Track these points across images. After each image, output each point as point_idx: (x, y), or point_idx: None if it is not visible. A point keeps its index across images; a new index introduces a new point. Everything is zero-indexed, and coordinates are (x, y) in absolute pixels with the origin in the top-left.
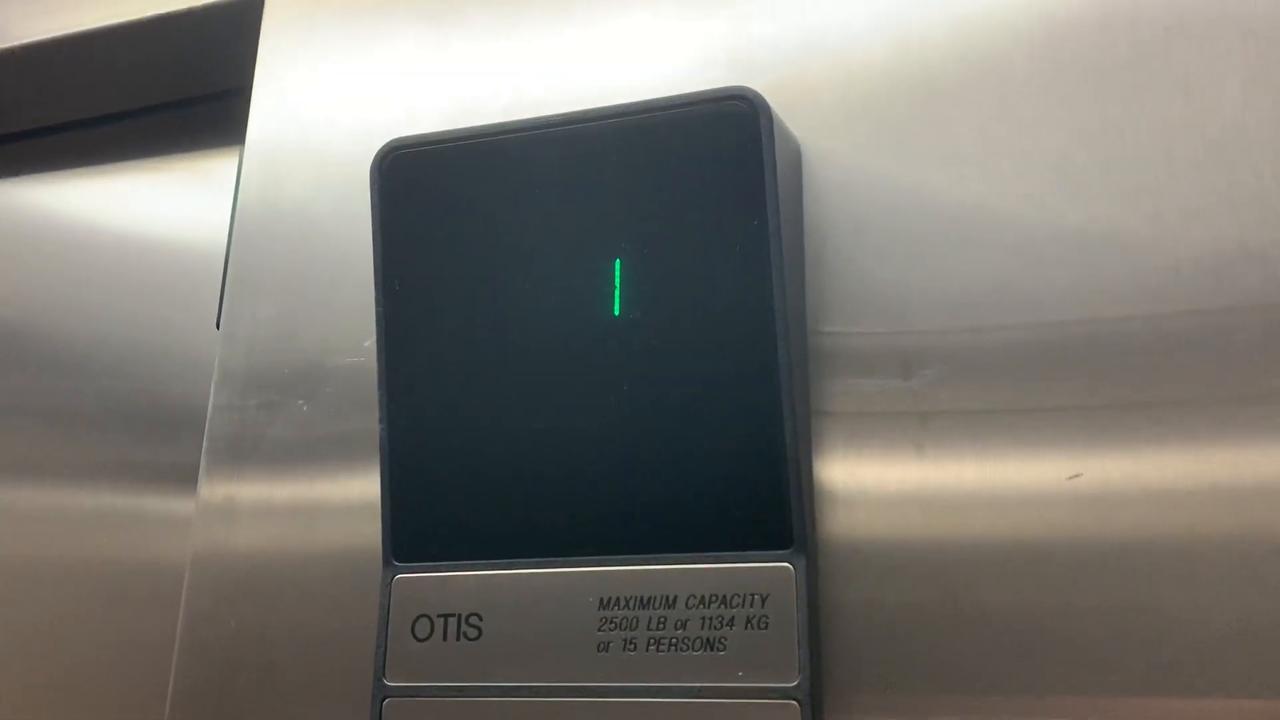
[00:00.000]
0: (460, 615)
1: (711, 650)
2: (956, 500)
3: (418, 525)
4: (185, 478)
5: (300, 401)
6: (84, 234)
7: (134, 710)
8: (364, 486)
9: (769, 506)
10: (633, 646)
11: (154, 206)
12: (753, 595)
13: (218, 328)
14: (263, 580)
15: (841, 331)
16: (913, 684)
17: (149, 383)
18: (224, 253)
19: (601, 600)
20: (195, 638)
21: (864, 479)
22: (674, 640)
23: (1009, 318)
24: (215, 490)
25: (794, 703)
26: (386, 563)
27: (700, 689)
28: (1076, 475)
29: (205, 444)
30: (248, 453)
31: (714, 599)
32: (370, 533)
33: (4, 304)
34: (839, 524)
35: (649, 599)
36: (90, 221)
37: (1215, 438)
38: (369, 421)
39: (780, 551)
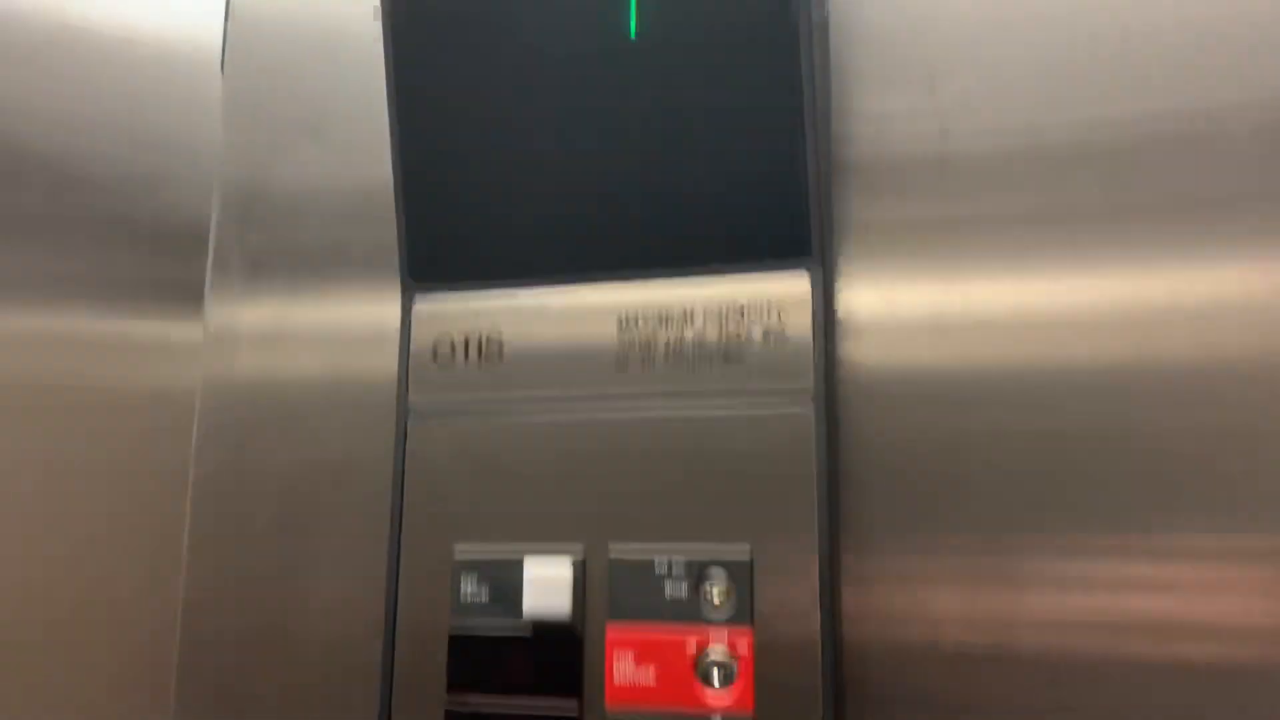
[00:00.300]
0: (482, 335)
1: (728, 363)
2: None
3: (435, 247)
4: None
5: (309, 140)
6: (75, 32)
7: (145, 549)
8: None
9: (788, 214)
10: (652, 361)
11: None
12: (770, 306)
13: (221, 71)
14: (275, 402)
15: (862, 40)
16: (933, 524)
17: (149, 198)
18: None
19: (621, 318)
20: (210, 468)
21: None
22: (692, 355)
23: (1040, 104)
24: (222, 304)
25: (809, 408)
26: (405, 285)
27: (717, 398)
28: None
29: (215, 198)
30: (262, 186)
31: (731, 311)
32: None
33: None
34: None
35: (667, 315)
36: (82, 18)
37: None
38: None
39: (798, 259)
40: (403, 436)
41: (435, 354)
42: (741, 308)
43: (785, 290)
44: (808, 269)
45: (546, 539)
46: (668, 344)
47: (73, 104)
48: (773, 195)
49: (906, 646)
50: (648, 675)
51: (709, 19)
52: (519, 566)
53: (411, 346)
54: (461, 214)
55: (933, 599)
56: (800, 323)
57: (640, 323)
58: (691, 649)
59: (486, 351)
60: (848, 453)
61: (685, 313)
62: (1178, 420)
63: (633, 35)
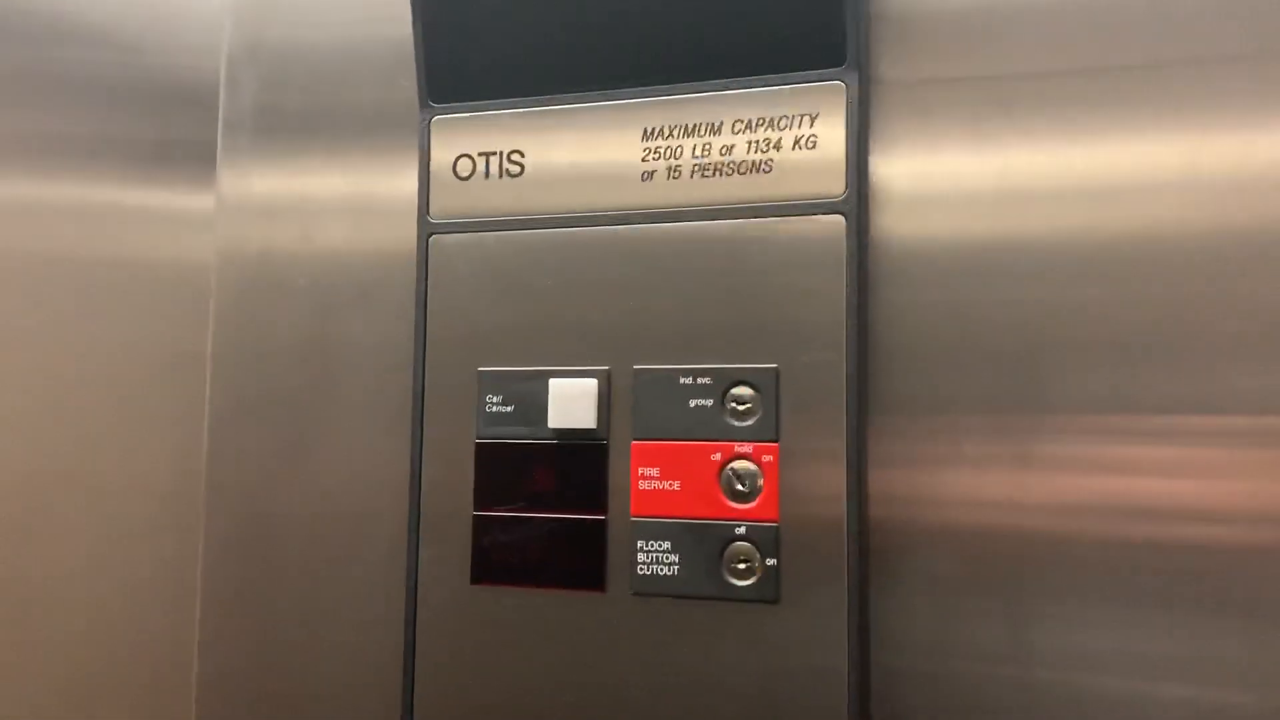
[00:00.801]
0: (502, 153)
1: (758, 173)
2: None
3: (454, 63)
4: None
5: None
6: None
7: (169, 418)
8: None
9: (822, 20)
10: (677, 174)
11: None
12: (802, 116)
13: None
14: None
15: None
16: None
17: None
18: None
19: (645, 131)
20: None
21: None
22: (719, 166)
23: None
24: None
25: (840, 216)
26: (423, 104)
27: (745, 209)
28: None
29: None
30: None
31: (761, 122)
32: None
33: None
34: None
35: (694, 126)
36: None
37: None
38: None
39: (833, 69)
40: (424, 253)
41: (455, 170)
42: (772, 119)
43: (818, 98)
44: (842, 79)
45: (571, 361)
46: (694, 155)
47: None
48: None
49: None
50: (674, 486)
51: None
52: (544, 380)
53: (431, 165)
54: (477, 29)
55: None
56: (834, 134)
57: (666, 134)
58: (717, 459)
59: (507, 167)
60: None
61: (713, 124)
62: (1194, 290)
63: None
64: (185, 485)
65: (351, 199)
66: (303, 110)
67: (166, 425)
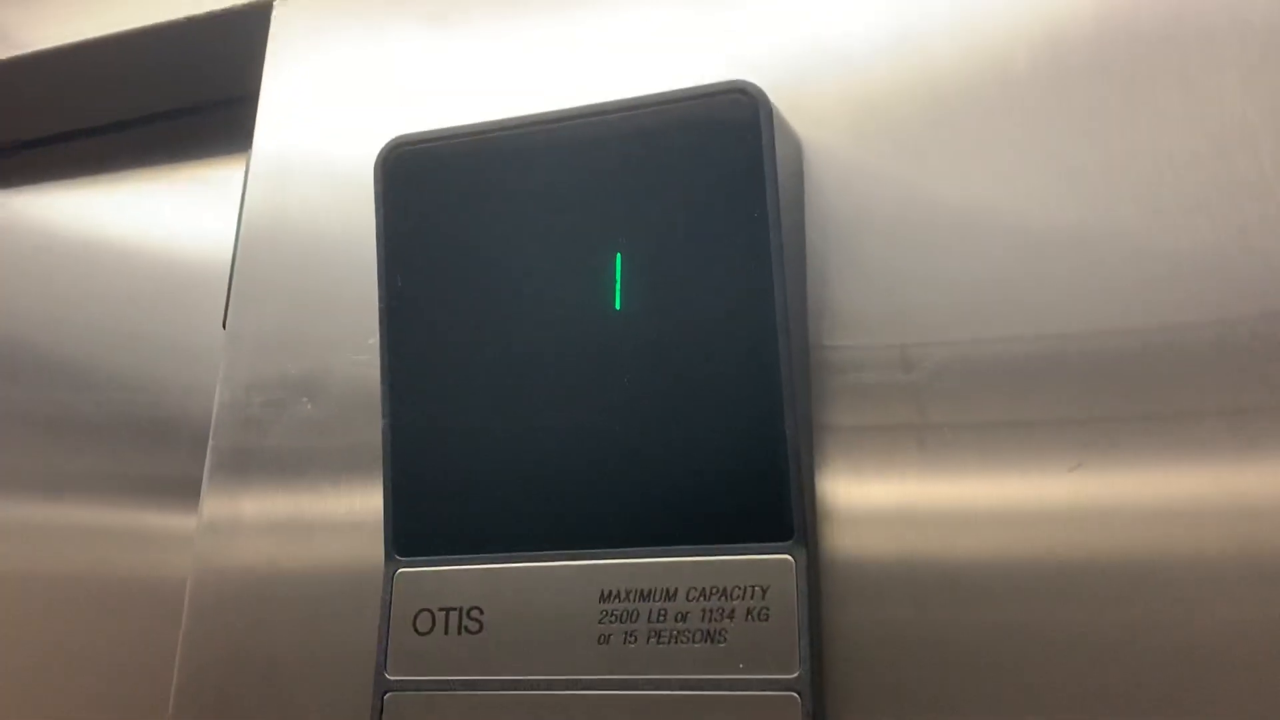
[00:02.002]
0: (462, 609)
1: (712, 642)
2: (956, 515)
3: (420, 519)
4: (186, 492)
5: (305, 399)
6: (87, 244)
7: None
8: (366, 497)
9: (769, 498)
10: (633, 639)
11: (159, 216)
12: (753, 587)
13: (224, 328)
14: (265, 594)
15: (841, 324)
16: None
17: (151, 395)
18: (230, 259)
19: (602, 593)
20: (196, 652)
21: (863, 492)
22: (675, 633)
23: (1010, 316)
24: (219, 499)
25: (795, 695)
26: (389, 557)
27: (701, 681)
28: (1077, 465)
29: (210, 440)
30: (253, 451)
31: (714, 591)
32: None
33: (6, 315)
34: (840, 540)
35: (649, 591)
36: (94, 231)
37: (1220, 451)
38: (372, 424)
39: (781, 543)
40: (379, 708)
41: (415, 626)
42: (726, 588)
43: (769, 571)
44: (790, 553)
45: None
46: (650, 620)
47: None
48: (754, 479)
49: None
50: None
51: (694, 299)
52: None
53: (392, 618)
54: (446, 490)
55: None
56: (785, 606)
57: (622, 596)
58: None
59: (466, 624)
60: None
61: (668, 590)
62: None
63: (618, 306)
64: None
65: (322, 519)
66: (286, 426)
67: None
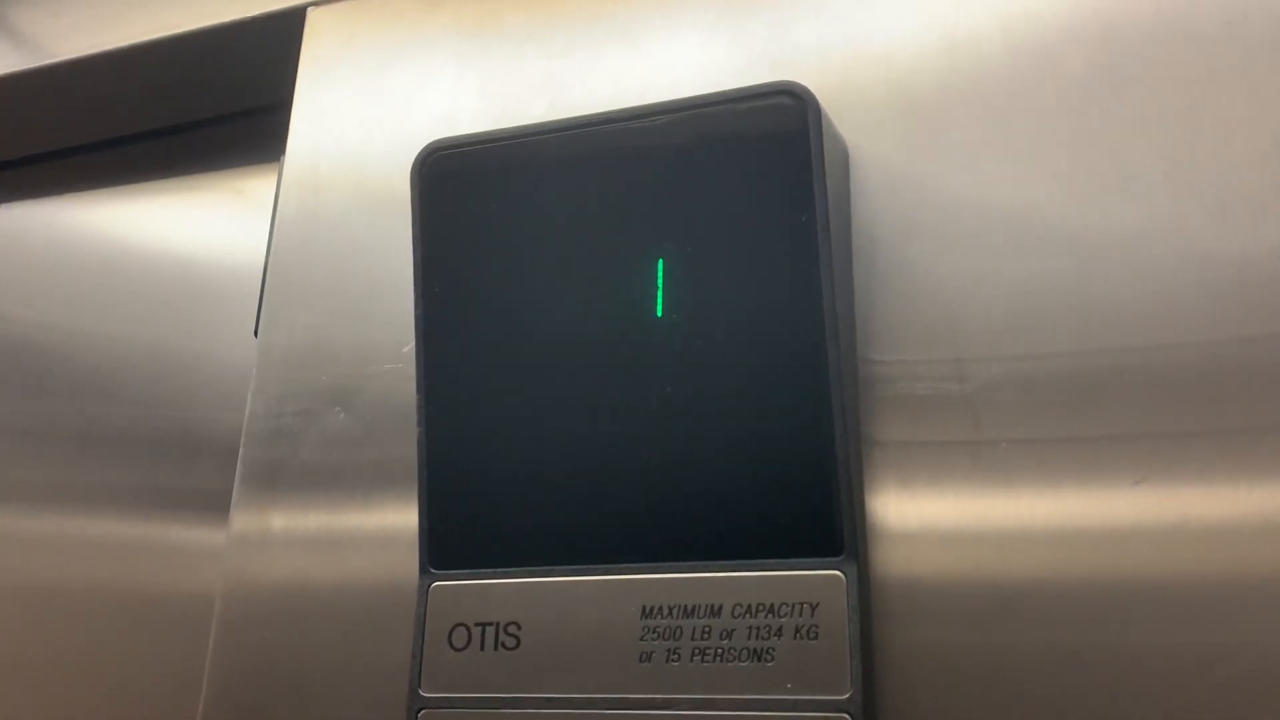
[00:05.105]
0: (498, 624)
1: (759, 661)
2: (1013, 533)
3: (456, 532)
4: (215, 505)
5: (338, 409)
6: (119, 254)
7: None
8: (399, 511)
9: (818, 512)
10: (676, 657)
11: (190, 226)
12: (802, 604)
13: (255, 336)
14: (295, 610)
15: (890, 334)
16: None
17: (181, 407)
18: (261, 267)
19: (644, 609)
20: (225, 669)
21: (915, 508)
22: (719, 650)
23: (1068, 326)
24: (249, 512)
25: (846, 716)
26: (424, 570)
27: (748, 701)
28: (1140, 481)
29: (241, 452)
30: (284, 463)
31: (761, 608)
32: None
33: (37, 327)
34: (891, 558)
35: (693, 608)
36: (125, 241)
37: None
38: (406, 435)
39: (830, 559)
40: None
41: (450, 641)
42: (773, 605)
43: (818, 588)
44: (840, 569)
45: None
46: (694, 638)
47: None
48: (802, 492)
49: None
50: None
51: (737, 306)
52: None
53: (426, 633)
54: (483, 502)
55: None
56: (836, 625)
57: (665, 613)
58: None
59: (503, 639)
60: None
61: (713, 606)
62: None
63: (659, 314)
64: None
65: (354, 533)
66: (317, 437)
67: None
